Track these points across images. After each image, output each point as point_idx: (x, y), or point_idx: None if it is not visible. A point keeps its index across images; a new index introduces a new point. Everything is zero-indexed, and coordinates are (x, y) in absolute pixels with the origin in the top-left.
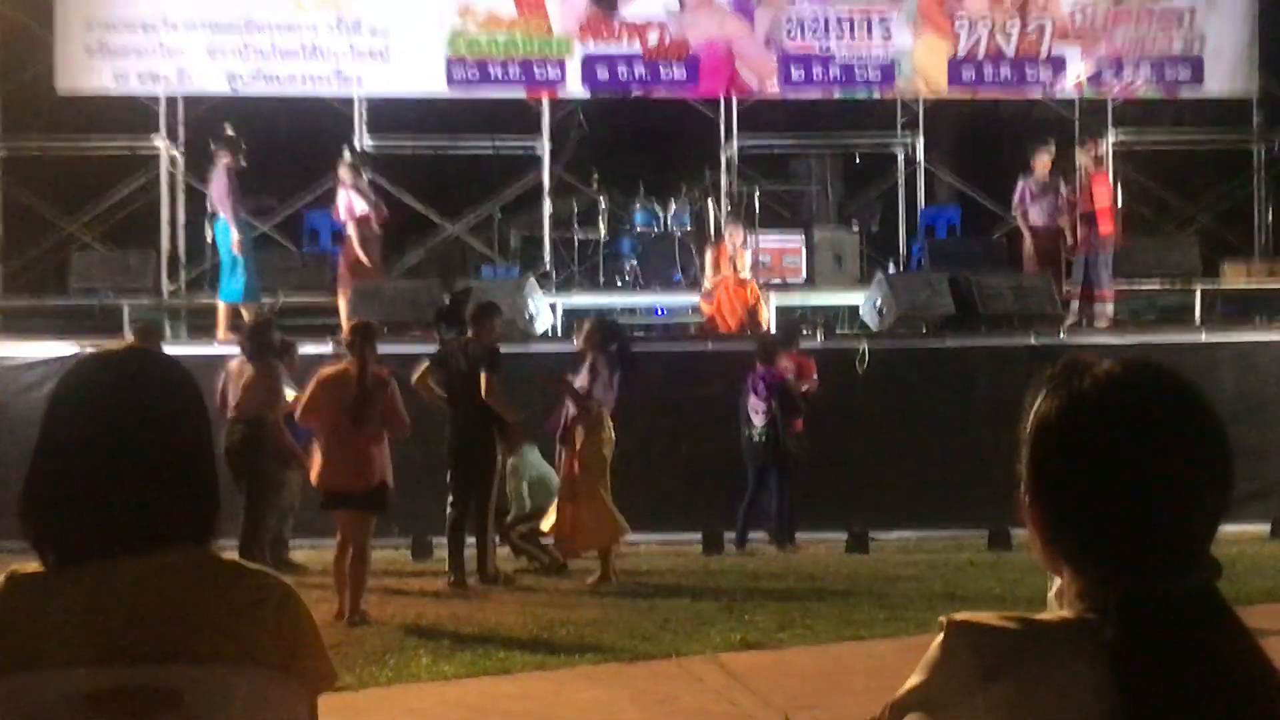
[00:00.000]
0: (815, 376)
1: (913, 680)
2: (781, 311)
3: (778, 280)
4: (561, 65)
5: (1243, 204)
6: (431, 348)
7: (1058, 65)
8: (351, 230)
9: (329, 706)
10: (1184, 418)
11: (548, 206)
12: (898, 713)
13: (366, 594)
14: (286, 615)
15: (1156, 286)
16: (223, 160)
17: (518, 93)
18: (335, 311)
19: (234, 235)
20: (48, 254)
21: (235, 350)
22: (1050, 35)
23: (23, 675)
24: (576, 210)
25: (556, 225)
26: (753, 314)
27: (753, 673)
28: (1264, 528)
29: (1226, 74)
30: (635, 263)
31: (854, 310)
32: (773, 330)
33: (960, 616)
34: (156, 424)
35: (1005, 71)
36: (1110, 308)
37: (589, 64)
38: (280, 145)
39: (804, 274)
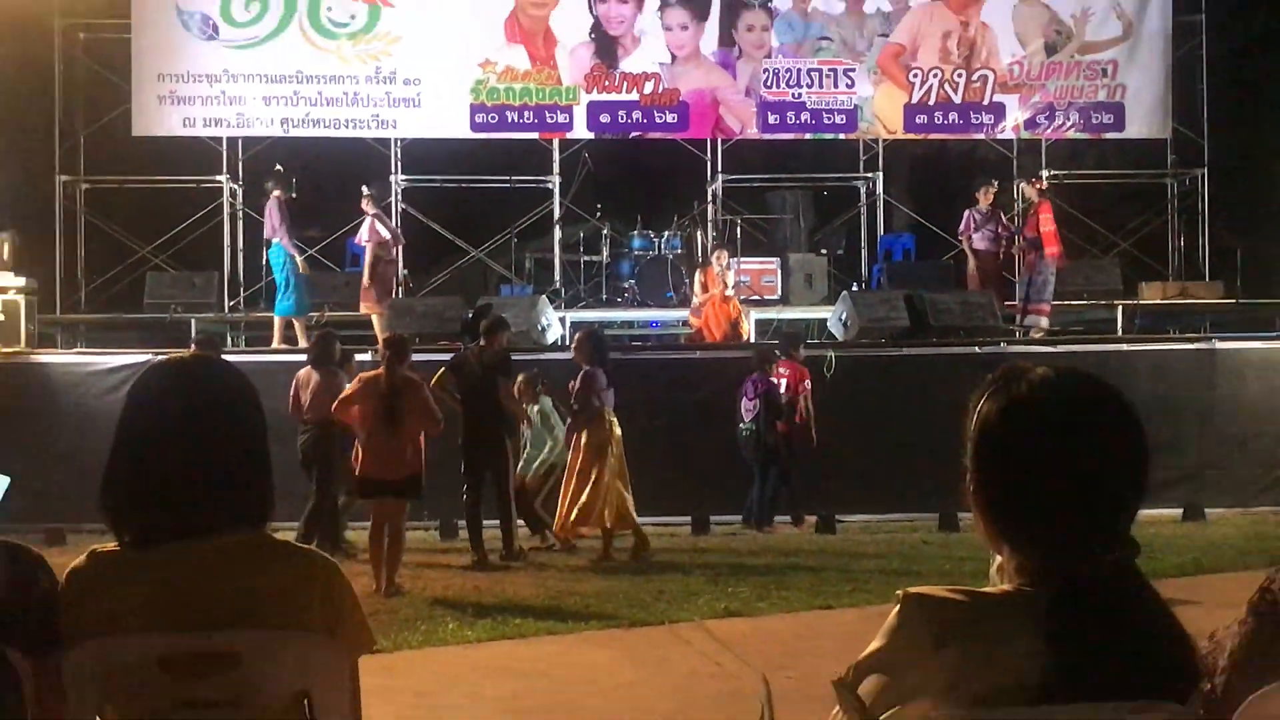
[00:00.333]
0: (807, 382)
1: (874, 645)
2: (760, 324)
3: (756, 298)
4: (570, 111)
5: (1158, 232)
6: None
7: (998, 111)
8: (368, 253)
9: (368, 667)
10: (1107, 417)
11: (557, 234)
12: (861, 672)
13: (400, 569)
14: (331, 589)
15: (1084, 303)
16: (276, 194)
17: (531, 135)
18: (370, 324)
19: (285, 258)
20: (125, 275)
21: (300, 359)
22: (992, 85)
23: (103, 639)
24: (582, 237)
25: (565, 250)
26: (735, 327)
27: (735, 637)
28: (1177, 512)
29: (1144, 119)
30: (633, 282)
31: (822, 323)
32: (753, 340)
33: (914, 589)
34: (217, 423)
35: (953, 117)
36: (1045, 321)
37: (593, 110)
38: (325, 181)
39: (779, 292)
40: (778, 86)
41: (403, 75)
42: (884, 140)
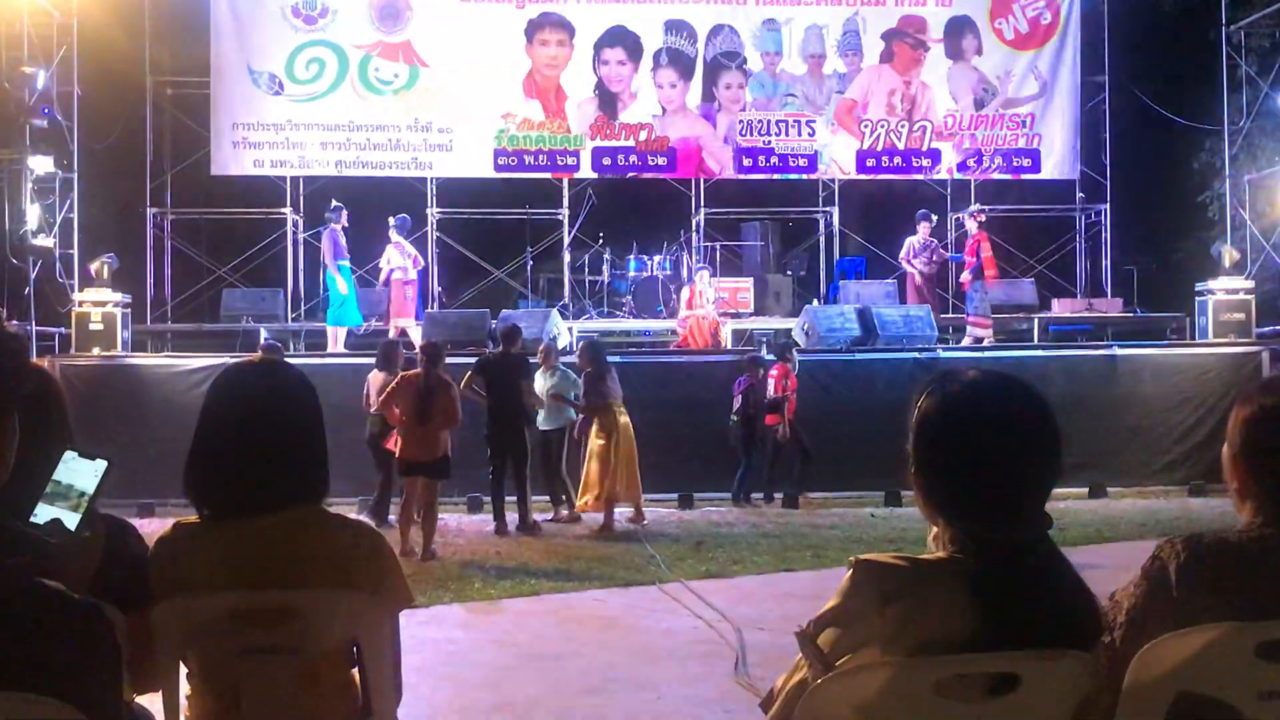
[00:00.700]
0: (793, 383)
1: (830, 603)
2: (736, 334)
3: (733, 311)
4: (577, 155)
5: (1068, 257)
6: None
7: (935, 156)
8: (397, 274)
9: (408, 620)
10: (1026, 412)
11: (566, 257)
12: (819, 626)
13: (435, 538)
14: (376, 554)
15: (1006, 316)
16: (331, 224)
17: (545, 174)
18: (405, 332)
19: (338, 279)
20: (204, 291)
21: (370, 361)
22: (930, 134)
23: (184, 597)
24: (587, 260)
25: (572, 270)
26: (714, 336)
27: (713, 594)
28: (1084, 491)
29: (1056, 162)
30: (630, 298)
31: (788, 333)
32: (730, 346)
33: (864, 556)
34: (281, 415)
35: (897, 160)
36: (983, 332)
37: (597, 154)
38: (372, 213)
39: (752, 307)
40: (751, 135)
41: (438, 125)
42: (839, 180)
